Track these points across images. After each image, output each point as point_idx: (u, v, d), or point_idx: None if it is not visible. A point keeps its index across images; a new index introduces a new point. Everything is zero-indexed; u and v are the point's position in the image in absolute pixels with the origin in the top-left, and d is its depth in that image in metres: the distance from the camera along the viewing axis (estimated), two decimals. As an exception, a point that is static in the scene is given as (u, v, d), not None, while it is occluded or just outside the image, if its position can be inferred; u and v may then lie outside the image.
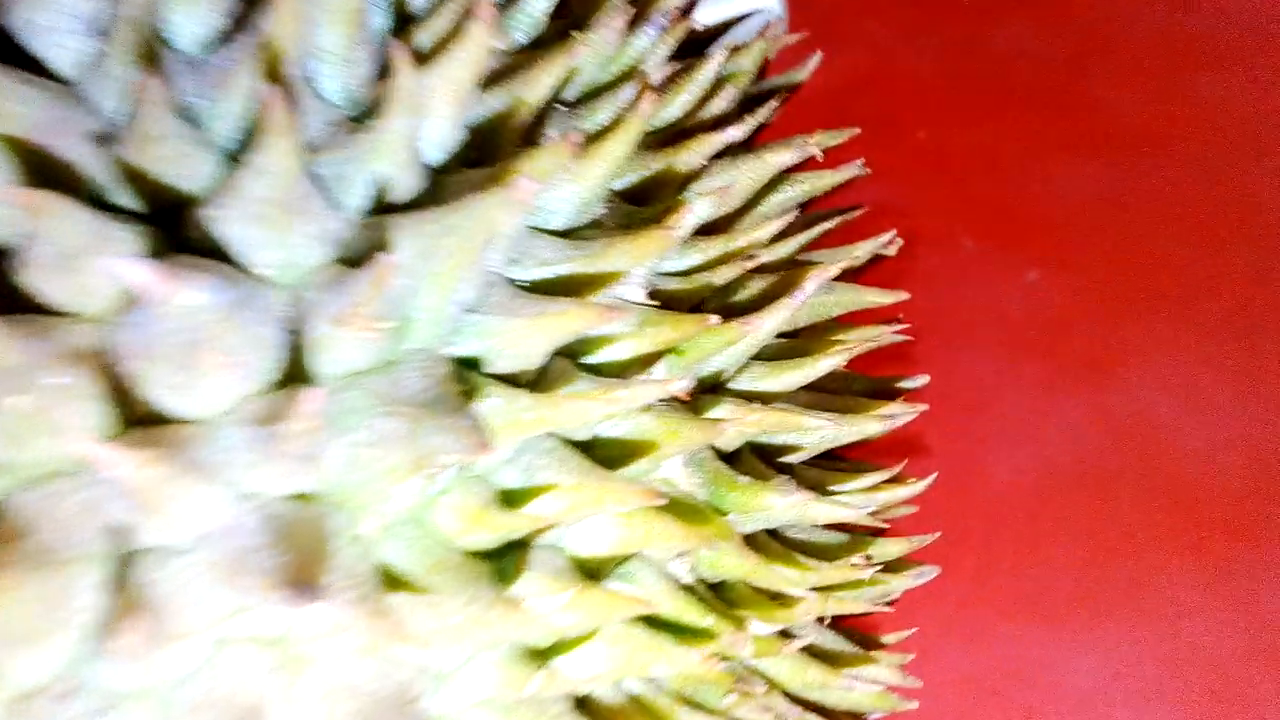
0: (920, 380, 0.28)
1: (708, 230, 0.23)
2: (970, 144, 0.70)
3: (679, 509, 0.20)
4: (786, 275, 0.23)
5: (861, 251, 0.27)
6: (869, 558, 0.23)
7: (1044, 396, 0.53)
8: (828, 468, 0.26)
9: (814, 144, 0.24)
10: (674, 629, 0.20)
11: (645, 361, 0.20)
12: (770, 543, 0.22)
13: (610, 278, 0.19)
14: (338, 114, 0.18)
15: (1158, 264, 0.59)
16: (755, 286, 0.23)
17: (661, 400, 0.21)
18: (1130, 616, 0.44)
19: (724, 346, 0.21)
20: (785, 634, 0.23)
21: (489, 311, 0.18)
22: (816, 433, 0.22)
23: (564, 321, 0.18)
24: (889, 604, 0.27)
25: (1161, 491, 0.48)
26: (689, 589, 0.20)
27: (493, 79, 0.19)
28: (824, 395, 0.25)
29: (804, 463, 0.27)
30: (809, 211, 0.32)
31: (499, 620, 0.16)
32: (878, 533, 0.28)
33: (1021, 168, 0.69)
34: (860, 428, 0.23)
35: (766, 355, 0.24)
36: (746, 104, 0.29)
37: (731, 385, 0.23)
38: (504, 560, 0.17)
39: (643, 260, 0.19)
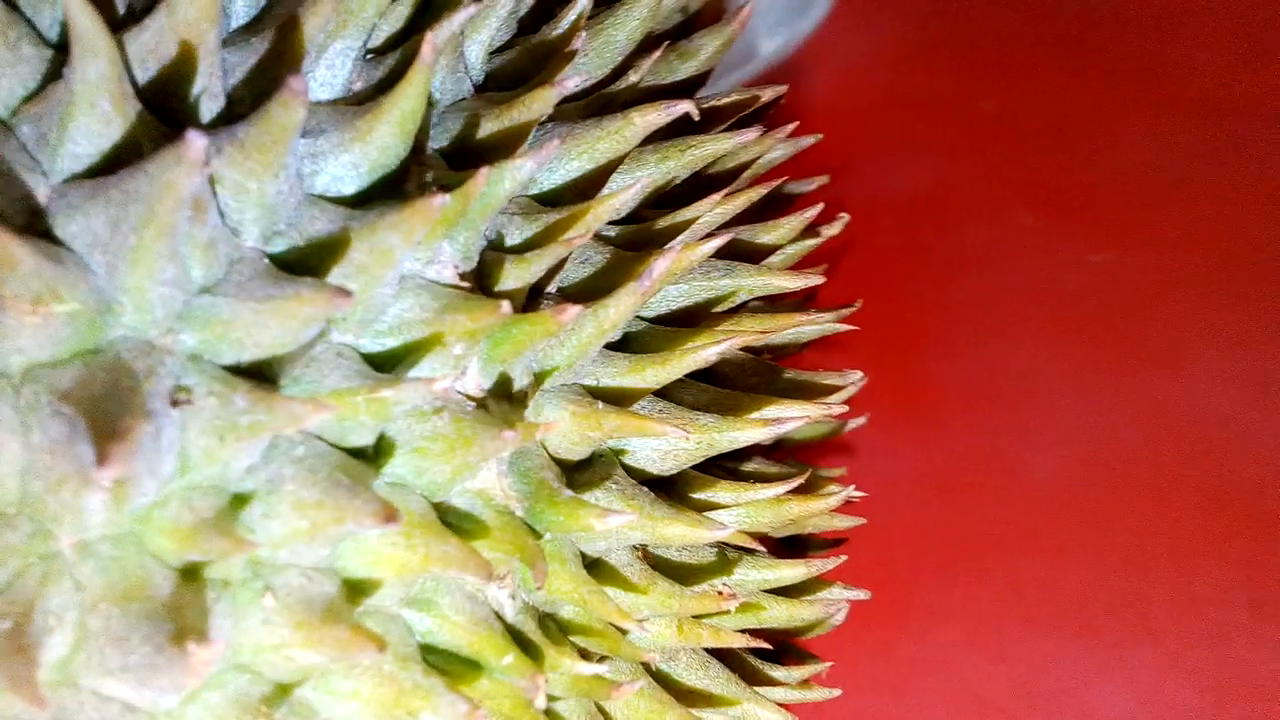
0: (852, 376, 0.25)
1: (553, 200, 0.20)
2: (1039, 114, 0.65)
3: (477, 528, 0.17)
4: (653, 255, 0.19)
5: (784, 231, 0.24)
6: (726, 585, 0.19)
7: (1096, 389, 0.48)
8: (753, 474, 0.23)
9: (688, 105, 0.20)
10: (457, 669, 0.17)
11: (433, 353, 0.17)
12: (617, 566, 0.19)
13: (384, 256, 0.16)
14: (41, 63, 0.15)
15: (1235, 247, 0.53)
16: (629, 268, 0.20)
17: (472, 399, 0.18)
18: (1171, 637, 0.39)
19: (541, 338, 0.18)
20: (647, 667, 0.20)
21: (222, 293, 0.15)
22: (667, 439, 0.19)
23: (295, 307, 0.15)
24: (793, 636, 0.24)
25: (1218, 498, 0.43)
26: (499, 620, 0.18)
27: (254, 24, 0.17)
28: (726, 393, 0.22)
29: (757, 462, 0.24)
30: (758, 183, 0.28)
31: (164, 667, 0.13)
32: (793, 552, 0.24)
33: (1093, 139, 0.63)
34: (735, 435, 0.20)
35: (638, 347, 0.21)
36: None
37: (583, 381, 0.20)
38: (207, 589, 0.15)
39: (410, 237, 0.16)
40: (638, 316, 0.21)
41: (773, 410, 0.21)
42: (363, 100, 0.18)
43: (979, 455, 0.44)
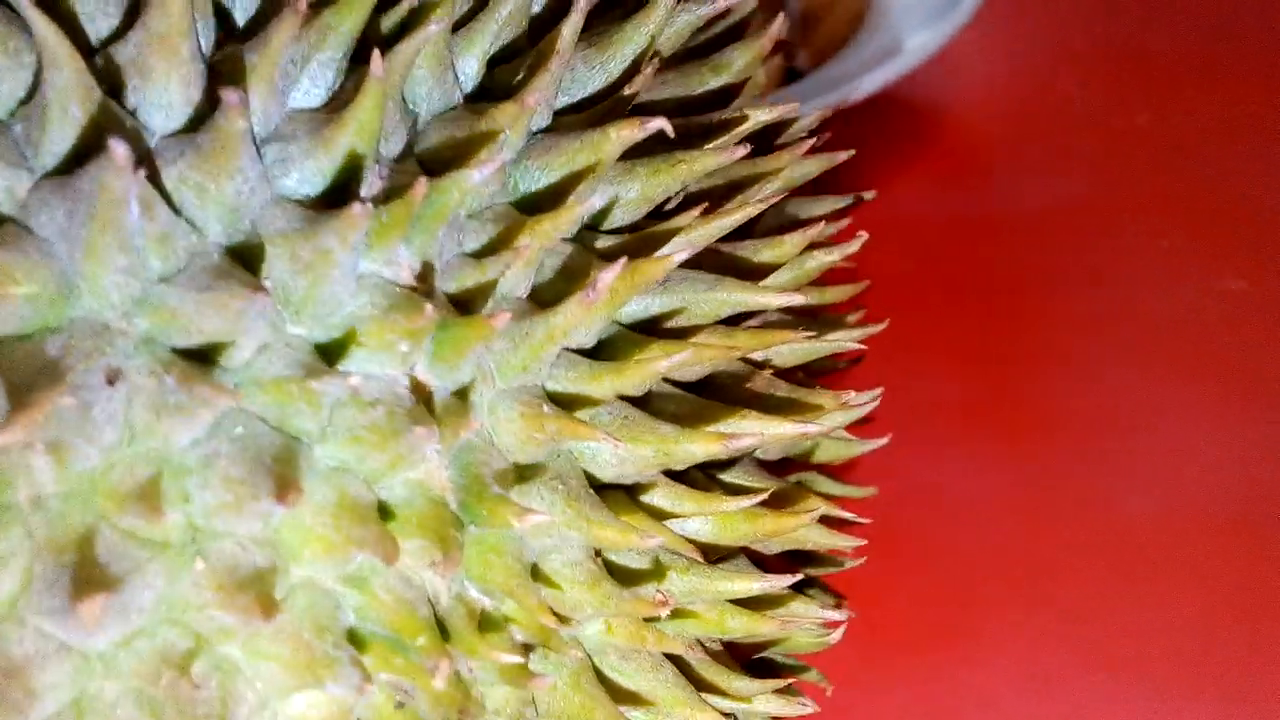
0: (862, 396, 0.24)
1: (532, 207, 0.21)
2: (1198, 129, 0.61)
3: (407, 515, 0.18)
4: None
5: (785, 249, 0.24)
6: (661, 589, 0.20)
7: (1216, 426, 0.45)
8: (733, 486, 0.23)
9: (662, 122, 0.21)
10: (378, 645, 0.18)
11: (381, 349, 0.18)
12: (563, 566, 0.20)
13: (324, 256, 0.17)
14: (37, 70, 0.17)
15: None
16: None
17: (416, 394, 0.19)
18: (1259, 703, 0.36)
19: (478, 340, 0.19)
20: (593, 665, 0.21)
21: (176, 284, 0.17)
22: (619, 447, 0.20)
23: (226, 299, 0.16)
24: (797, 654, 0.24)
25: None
26: (429, 605, 0.19)
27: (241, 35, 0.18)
28: (704, 404, 0.22)
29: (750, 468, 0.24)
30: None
31: (68, 614, 0.15)
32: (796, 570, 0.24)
33: (1253, 159, 0.59)
34: (690, 447, 0.20)
35: (609, 354, 0.21)
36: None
37: (545, 384, 0.20)
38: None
39: (346, 240, 0.17)
40: (616, 322, 0.22)
41: (731, 425, 0.21)
42: (340, 108, 0.19)
43: (1063, 484, 0.42)
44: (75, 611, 0.15)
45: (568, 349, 0.21)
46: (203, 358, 0.17)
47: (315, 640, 0.18)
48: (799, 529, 0.23)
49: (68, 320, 0.17)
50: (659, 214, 0.24)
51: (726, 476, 0.24)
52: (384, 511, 0.19)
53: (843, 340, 0.27)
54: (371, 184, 0.19)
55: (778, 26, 0.26)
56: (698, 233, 0.22)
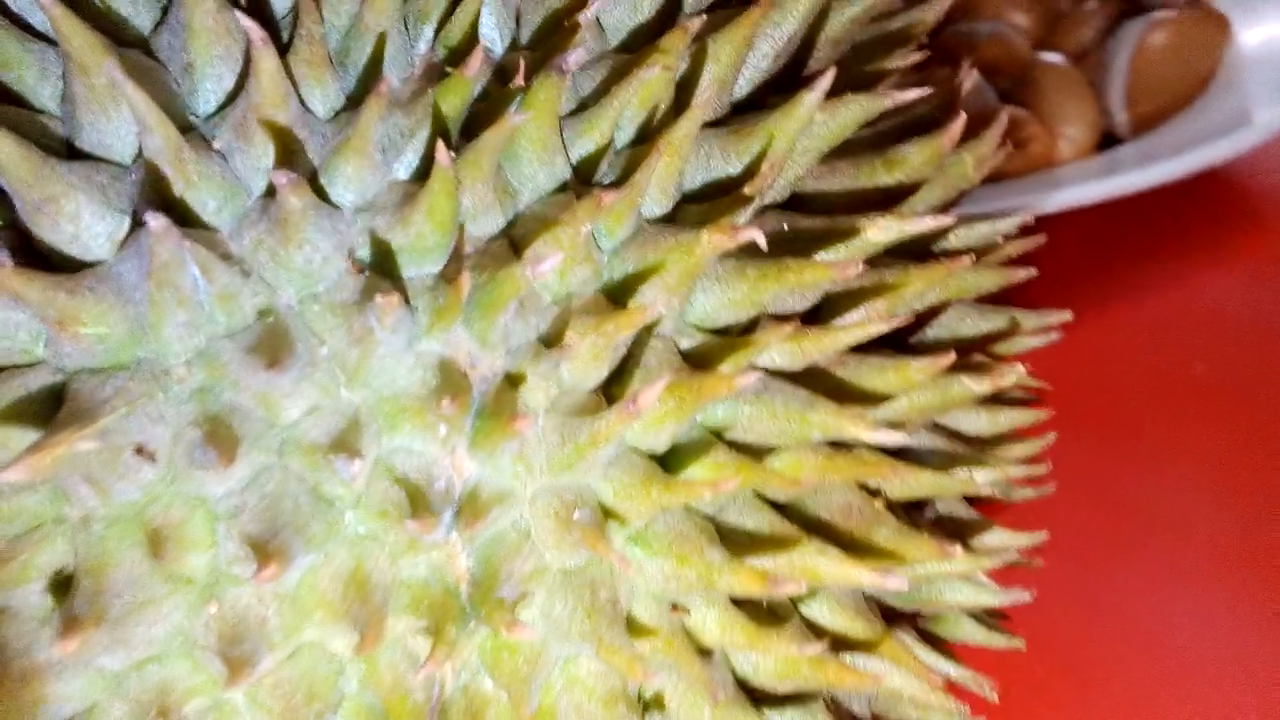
0: (986, 558, 0.22)
1: (618, 294, 0.20)
2: None
3: (420, 597, 0.18)
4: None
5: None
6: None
7: None
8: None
9: (755, 234, 0.19)
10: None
11: (421, 426, 0.18)
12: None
13: (368, 334, 0.18)
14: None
15: None
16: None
17: (449, 479, 0.19)
18: None
19: (502, 440, 0.18)
20: None
21: (236, 340, 0.18)
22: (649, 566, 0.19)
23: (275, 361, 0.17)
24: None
25: None
26: (429, 690, 0.19)
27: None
28: (771, 526, 0.21)
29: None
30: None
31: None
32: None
33: None
34: (729, 580, 0.19)
35: (675, 463, 0.20)
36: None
37: (596, 485, 0.20)
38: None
39: (385, 322, 0.17)
40: (705, 426, 0.21)
41: (789, 560, 0.19)
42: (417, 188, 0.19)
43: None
44: (64, 637, 0.17)
45: (636, 449, 0.20)
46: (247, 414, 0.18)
47: (303, 706, 0.18)
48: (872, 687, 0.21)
49: (135, 360, 0.18)
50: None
51: (809, 603, 0.22)
52: (403, 587, 0.19)
53: (993, 479, 0.24)
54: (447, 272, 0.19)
55: (959, 126, 0.24)
56: (787, 347, 0.20)
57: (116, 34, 0.20)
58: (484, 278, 0.19)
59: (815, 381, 0.22)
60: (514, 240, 0.20)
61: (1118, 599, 0.37)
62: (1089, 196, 0.53)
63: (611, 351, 0.20)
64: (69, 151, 0.19)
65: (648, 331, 0.20)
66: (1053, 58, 0.64)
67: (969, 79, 0.26)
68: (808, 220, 0.22)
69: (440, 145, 0.18)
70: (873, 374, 0.22)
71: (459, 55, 0.21)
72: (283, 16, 0.20)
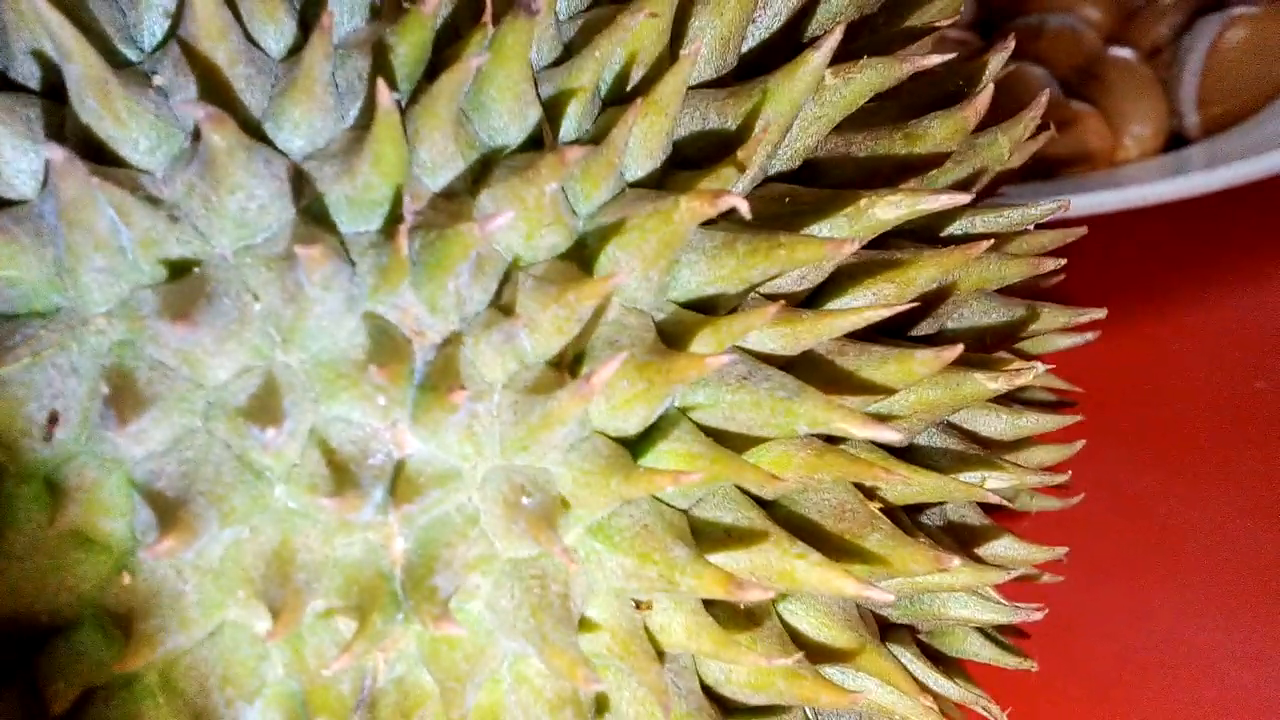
0: (993, 573, 0.20)
1: (589, 268, 0.18)
2: None
3: (351, 579, 0.17)
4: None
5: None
6: None
7: None
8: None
9: (737, 201, 0.17)
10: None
11: (356, 397, 0.17)
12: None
13: (300, 291, 0.16)
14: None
15: None
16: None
17: (388, 453, 0.17)
18: None
19: (446, 413, 0.17)
20: None
21: (159, 290, 0.17)
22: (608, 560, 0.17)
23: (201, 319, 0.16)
24: None
25: None
26: (359, 679, 0.17)
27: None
28: (749, 521, 0.19)
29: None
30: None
31: None
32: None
33: None
34: (690, 583, 0.17)
35: (643, 448, 0.19)
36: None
37: (554, 469, 0.18)
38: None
39: (314, 278, 0.16)
40: (680, 409, 0.19)
41: (756, 557, 0.18)
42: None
43: None
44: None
45: (602, 433, 0.19)
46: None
47: (217, 690, 0.17)
48: (850, 705, 0.19)
49: (53, 308, 0.17)
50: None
51: (791, 607, 0.20)
52: (335, 568, 0.17)
53: (1005, 485, 0.22)
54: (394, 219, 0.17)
55: (984, 100, 0.22)
56: (778, 330, 0.19)
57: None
58: (432, 235, 0.17)
59: (809, 370, 0.20)
60: (475, 196, 0.18)
61: (1151, 623, 0.34)
62: (1153, 197, 0.50)
63: (576, 323, 0.18)
64: (2, 82, 0.18)
65: (623, 307, 0.18)
66: (1123, 53, 0.61)
67: (1003, 53, 0.24)
68: (812, 193, 0.20)
69: (383, 87, 0.16)
70: (873, 365, 0.20)
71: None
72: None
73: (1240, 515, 0.39)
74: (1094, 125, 0.56)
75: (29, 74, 0.18)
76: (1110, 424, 0.40)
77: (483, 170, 0.19)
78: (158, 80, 0.18)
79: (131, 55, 0.18)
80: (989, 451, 0.23)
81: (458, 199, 0.18)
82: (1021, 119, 0.24)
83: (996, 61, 0.24)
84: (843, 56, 0.22)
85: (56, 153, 0.15)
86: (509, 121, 0.19)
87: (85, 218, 0.16)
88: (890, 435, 0.18)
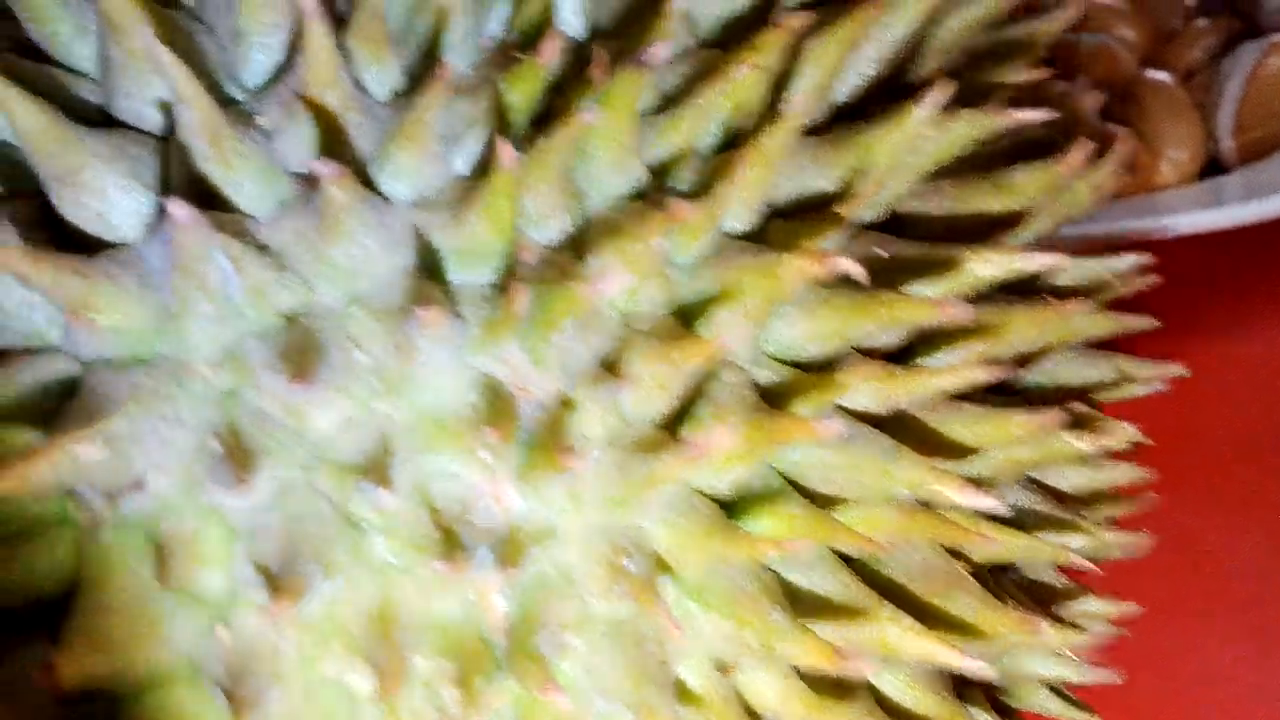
0: (1074, 635, 0.19)
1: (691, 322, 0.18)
2: None
3: (452, 639, 0.17)
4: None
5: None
6: None
7: None
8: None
9: (850, 265, 0.17)
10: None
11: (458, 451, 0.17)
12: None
13: (410, 344, 0.16)
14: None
15: None
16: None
17: (490, 510, 0.17)
18: None
19: (553, 473, 0.16)
20: None
21: (266, 340, 0.17)
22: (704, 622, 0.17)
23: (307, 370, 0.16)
24: None
25: None
26: None
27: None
28: (846, 588, 0.19)
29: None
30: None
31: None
32: None
33: None
34: (790, 650, 0.17)
35: (740, 510, 0.18)
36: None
37: (649, 528, 0.18)
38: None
39: (427, 333, 0.16)
40: (775, 469, 0.19)
41: (860, 630, 0.17)
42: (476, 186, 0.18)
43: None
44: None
45: (699, 492, 0.18)
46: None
47: None
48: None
49: (156, 355, 0.17)
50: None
51: (885, 675, 0.20)
52: (435, 627, 0.17)
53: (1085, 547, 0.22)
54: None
55: (1081, 153, 0.21)
56: (873, 388, 0.18)
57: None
58: (543, 290, 0.17)
59: (901, 428, 0.19)
60: (579, 250, 0.18)
61: (1195, 656, 0.34)
62: (1193, 226, 0.50)
63: (679, 382, 0.18)
64: (104, 120, 0.17)
65: (720, 361, 0.18)
66: (1159, 75, 0.60)
67: (1092, 100, 0.24)
68: (905, 246, 0.20)
69: (503, 143, 0.16)
70: (966, 424, 0.20)
71: (533, 39, 0.19)
72: (344, -14, 0.18)
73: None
74: (1131, 148, 0.56)
75: (135, 113, 0.17)
76: (1145, 456, 0.39)
77: (584, 222, 0.18)
78: (262, 121, 0.17)
79: (235, 93, 0.18)
80: (1068, 509, 0.23)
81: (564, 253, 0.18)
82: (1104, 166, 0.24)
83: (1090, 106, 0.23)
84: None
85: (181, 210, 0.15)
86: (611, 172, 0.18)
87: (199, 268, 0.16)
88: (990, 504, 0.18)
